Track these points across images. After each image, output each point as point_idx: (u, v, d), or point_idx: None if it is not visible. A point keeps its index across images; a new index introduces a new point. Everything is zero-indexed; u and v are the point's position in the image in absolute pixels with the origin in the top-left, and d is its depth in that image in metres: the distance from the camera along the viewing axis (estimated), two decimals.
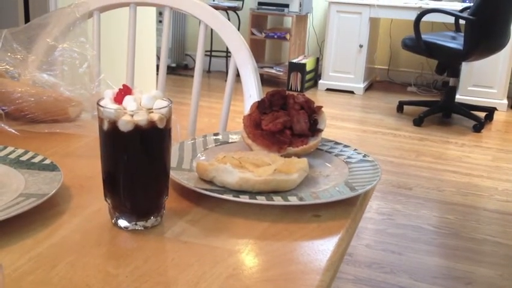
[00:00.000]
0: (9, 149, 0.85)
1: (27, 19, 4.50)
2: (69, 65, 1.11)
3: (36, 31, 1.17)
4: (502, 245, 2.52)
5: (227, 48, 1.39)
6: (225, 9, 5.10)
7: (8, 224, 0.65)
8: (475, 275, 2.26)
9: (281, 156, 0.85)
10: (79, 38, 1.13)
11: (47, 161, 0.81)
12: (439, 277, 2.25)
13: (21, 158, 0.82)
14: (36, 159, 0.82)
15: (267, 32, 5.19)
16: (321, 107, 0.92)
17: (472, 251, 2.46)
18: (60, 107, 1.05)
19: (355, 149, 0.92)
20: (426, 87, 5.26)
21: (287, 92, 0.92)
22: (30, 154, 0.83)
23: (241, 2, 5.31)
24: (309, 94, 4.83)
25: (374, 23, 5.03)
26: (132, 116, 0.65)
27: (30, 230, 0.66)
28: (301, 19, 5.19)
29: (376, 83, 5.41)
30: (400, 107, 4.54)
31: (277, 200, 0.74)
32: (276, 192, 0.76)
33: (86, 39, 1.14)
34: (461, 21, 4.13)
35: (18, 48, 1.12)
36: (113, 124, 0.65)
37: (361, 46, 4.90)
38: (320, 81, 5.13)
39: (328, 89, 5.08)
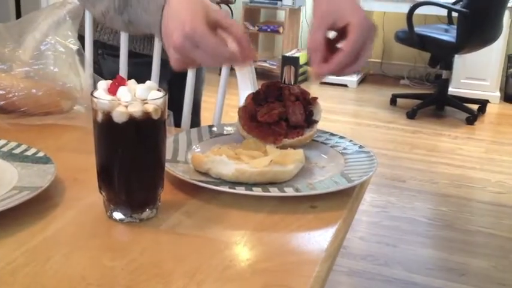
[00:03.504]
0: (2, 141, 0.84)
1: (18, 15, 4.47)
2: (56, 58, 1.10)
3: (27, 25, 1.16)
4: (495, 236, 2.54)
5: None
6: (218, 3, 5.08)
7: (1, 217, 0.65)
8: (469, 267, 2.27)
9: (277, 147, 0.84)
10: (66, 32, 1.12)
11: (40, 154, 0.80)
12: (434, 269, 2.25)
13: (14, 151, 0.81)
14: (29, 152, 0.81)
15: (260, 25, 5.18)
16: (316, 98, 0.92)
17: (465, 243, 2.47)
18: (52, 100, 1.04)
19: (351, 140, 0.91)
20: (419, 80, 5.26)
21: (282, 84, 0.91)
22: (23, 147, 0.83)
23: None
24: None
25: (367, 15, 5.01)
26: (126, 107, 0.64)
27: (24, 223, 0.66)
28: (295, 12, 5.17)
29: (369, 76, 5.41)
30: (393, 100, 4.54)
31: (274, 191, 0.73)
32: (272, 183, 0.76)
33: (72, 32, 1.13)
34: (454, 14, 4.14)
35: (9, 41, 1.11)
36: (107, 115, 0.64)
37: None
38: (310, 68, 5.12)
39: (321, 83, 5.07)
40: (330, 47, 0.86)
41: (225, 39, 0.78)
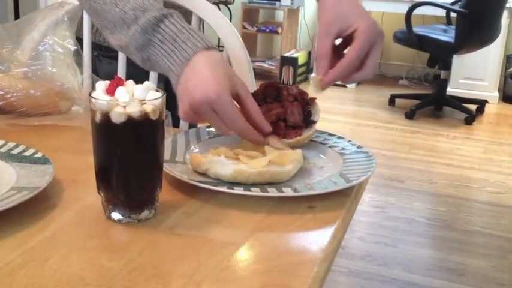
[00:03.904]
0: (0, 142, 0.84)
1: (16, 16, 4.48)
2: (54, 59, 1.10)
3: (25, 26, 1.16)
4: (494, 236, 2.54)
5: (219, 41, 1.38)
6: (217, 3, 5.08)
7: None
8: (468, 267, 2.27)
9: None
10: (64, 33, 1.12)
11: (39, 154, 0.80)
12: (432, 269, 2.25)
13: (12, 152, 0.81)
14: (28, 153, 0.81)
15: (258, 25, 5.18)
16: (315, 98, 0.92)
17: (464, 243, 2.47)
18: (51, 101, 1.04)
19: (349, 141, 0.92)
20: (418, 80, 5.27)
21: (280, 84, 0.91)
22: (21, 147, 0.83)
23: None
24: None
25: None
26: (124, 107, 0.64)
27: (22, 224, 0.66)
28: (293, 13, 5.18)
29: None
30: (392, 100, 4.54)
31: (272, 192, 0.73)
32: (271, 183, 0.76)
33: (70, 33, 1.13)
34: (453, 14, 4.14)
35: (7, 42, 1.11)
36: (106, 116, 0.64)
37: None
38: (312, 75, 5.13)
39: None
40: (338, 54, 0.85)
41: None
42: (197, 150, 0.88)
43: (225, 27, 1.20)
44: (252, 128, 0.79)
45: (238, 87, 0.79)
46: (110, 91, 0.66)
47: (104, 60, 1.28)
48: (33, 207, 0.69)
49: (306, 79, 5.18)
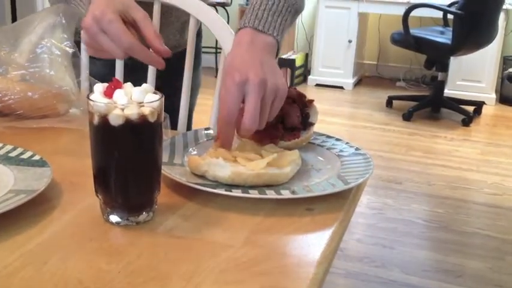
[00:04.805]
0: None
1: (14, 19, 4.47)
2: (52, 61, 1.09)
3: (23, 28, 1.16)
4: (491, 238, 2.54)
5: (216, 44, 1.37)
6: (214, 5, 5.08)
7: None
8: (465, 268, 2.27)
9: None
10: (62, 35, 1.12)
11: (36, 157, 0.80)
12: (430, 270, 2.26)
13: (10, 154, 0.81)
14: (25, 155, 0.81)
15: None
16: (313, 100, 0.92)
17: (462, 244, 2.47)
18: (48, 103, 1.04)
19: (347, 143, 0.92)
20: (415, 82, 5.28)
21: None
22: (19, 150, 0.82)
23: None
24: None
25: (363, 18, 5.03)
26: (123, 110, 0.64)
27: (20, 227, 0.65)
28: None
29: (365, 78, 5.42)
30: (389, 102, 4.55)
31: (270, 194, 0.73)
32: (269, 185, 0.76)
33: (68, 35, 1.12)
34: (450, 16, 4.15)
35: (5, 45, 1.11)
36: (104, 118, 0.64)
37: (350, 41, 4.91)
38: (309, 77, 5.14)
39: (317, 85, 5.08)
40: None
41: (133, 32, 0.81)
42: (195, 152, 0.88)
43: (222, 29, 1.20)
44: (143, 47, 0.80)
45: (134, 13, 0.82)
46: (108, 93, 0.66)
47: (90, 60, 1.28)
48: (31, 210, 0.69)
49: (304, 81, 5.19)
